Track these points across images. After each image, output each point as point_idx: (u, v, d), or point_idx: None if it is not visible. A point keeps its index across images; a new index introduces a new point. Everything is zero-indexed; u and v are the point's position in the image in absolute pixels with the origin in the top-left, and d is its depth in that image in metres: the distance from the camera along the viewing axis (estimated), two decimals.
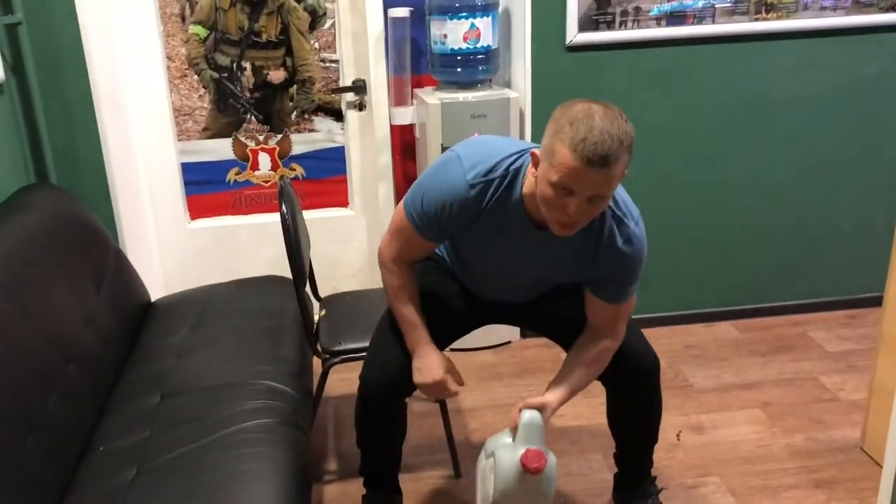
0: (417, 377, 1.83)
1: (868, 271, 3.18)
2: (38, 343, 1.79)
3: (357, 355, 2.14)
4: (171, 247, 3.08)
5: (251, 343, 2.23)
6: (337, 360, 2.15)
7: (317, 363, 2.26)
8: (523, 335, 3.13)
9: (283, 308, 2.39)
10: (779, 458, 2.36)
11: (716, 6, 2.76)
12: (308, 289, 2.35)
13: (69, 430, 1.80)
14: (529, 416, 1.71)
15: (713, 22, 2.78)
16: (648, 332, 2.00)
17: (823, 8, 2.81)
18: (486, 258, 1.84)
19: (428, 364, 1.82)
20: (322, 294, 2.55)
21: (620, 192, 1.70)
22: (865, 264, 3.18)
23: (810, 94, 2.94)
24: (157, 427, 1.87)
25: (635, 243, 1.69)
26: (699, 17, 2.77)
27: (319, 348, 2.20)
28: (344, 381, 2.76)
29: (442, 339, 1.92)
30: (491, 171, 1.66)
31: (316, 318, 2.34)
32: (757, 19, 2.79)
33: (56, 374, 1.82)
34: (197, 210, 3.08)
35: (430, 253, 1.95)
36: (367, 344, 2.13)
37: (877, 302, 3.19)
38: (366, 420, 1.96)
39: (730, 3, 2.75)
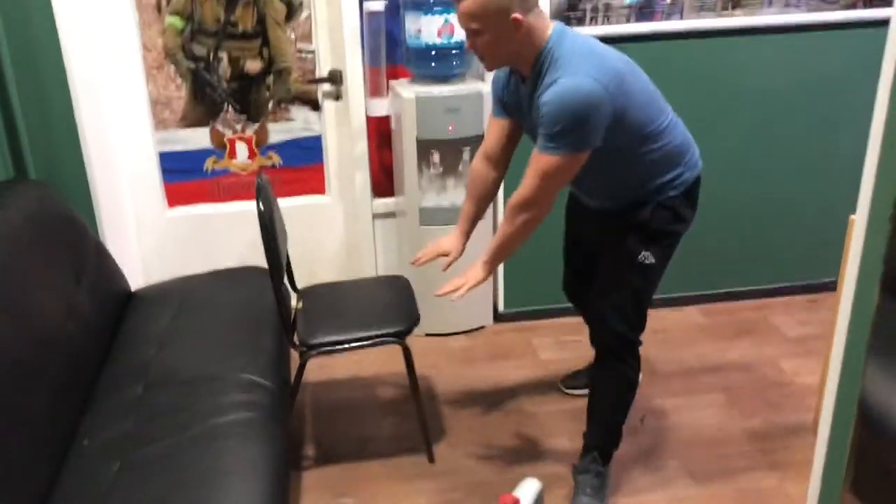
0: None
1: (828, 257, 3.28)
2: (20, 337, 1.83)
3: (334, 348, 2.22)
4: (150, 235, 3.13)
5: (230, 334, 2.30)
6: (314, 352, 2.23)
7: (295, 354, 2.34)
8: (496, 319, 3.22)
9: (261, 299, 2.46)
10: (737, 441, 2.48)
11: (684, 2, 2.82)
12: (286, 280, 2.42)
13: (53, 423, 1.86)
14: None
15: (681, 18, 2.85)
16: None
17: (788, 4, 2.88)
18: (524, 122, 2.08)
19: (444, 238, 2.29)
20: (300, 281, 2.62)
21: (569, 52, 1.85)
22: (826, 249, 3.28)
23: (775, 87, 3.03)
24: (141, 419, 1.94)
25: (557, 92, 1.81)
26: (668, 14, 2.84)
27: (297, 340, 2.27)
28: (321, 368, 2.84)
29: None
30: None
31: (293, 309, 2.42)
32: (723, 15, 2.87)
33: (38, 367, 1.87)
34: (175, 198, 3.12)
35: (505, 140, 2.18)
36: (343, 336, 2.21)
37: (834, 287, 3.32)
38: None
39: None
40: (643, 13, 2.83)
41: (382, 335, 2.24)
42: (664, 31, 2.87)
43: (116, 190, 2.98)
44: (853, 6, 2.91)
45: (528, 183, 1.93)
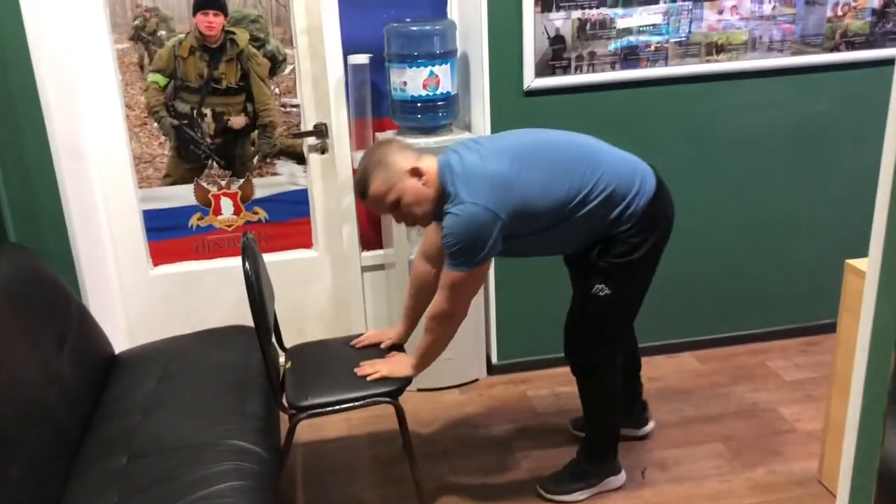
0: None
1: (821, 299, 3.27)
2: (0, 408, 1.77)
3: (324, 410, 2.16)
4: (135, 295, 3.06)
5: (217, 398, 2.23)
6: (304, 415, 2.16)
7: (285, 415, 2.27)
8: (490, 372, 3.16)
9: (248, 360, 2.39)
10: (739, 494, 2.42)
11: (668, 49, 2.83)
12: (273, 339, 2.36)
13: (34, 497, 1.78)
14: None
15: (666, 64, 2.85)
16: None
17: (771, 49, 2.90)
18: None
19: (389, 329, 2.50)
20: (288, 339, 2.56)
21: (460, 179, 2.04)
22: (819, 292, 3.27)
23: (761, 130, 3.03)
24: (125, 492, 1.86)
25: (450, 220, 2.03)
26: (652, 60, 2.84)
27: (286, 403, 2.20)
28: (312, 429, 2.76)
29: None
30: None
31: (282, 369, 2.35)
32: (708, 60, 2.87)
33: (19, 439, 1.80)
34: (160, 256, 3.07)
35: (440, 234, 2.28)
36: (334, 398, 2.15)
37: (830, 329, 3.29)
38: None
39: (682, 44, 2.83)
40: (628, 60, 2.83)
41: (374, 395, 2.17)
42: (650, 78, 2.87)
43: (99, 250, 2.92)
44: (836, 49, 2.93)
45: (441, 296, 2.13)
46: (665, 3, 2.77)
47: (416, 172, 2.06)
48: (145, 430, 2.10)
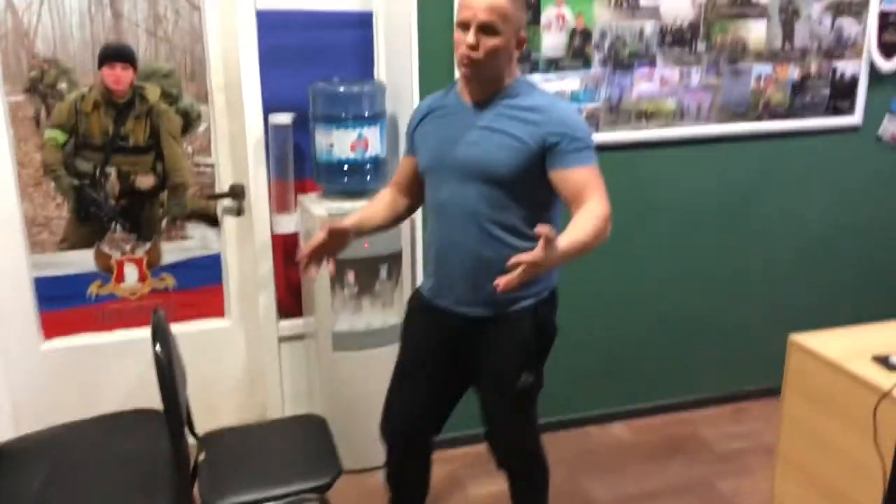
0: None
1: (750, 366, 3.27)
2: None
3: None
4: (22, 372, 2.74)
5: (118, 498, 1.96)
6: None
7: None
8: None
9: (155, 450, 2.13)
10: None
11: (600, 115, 2.79)
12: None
13: None
14: None
15: (597, 130, 2.81)
16: (544, 438, 2.18)
17: (698, 118, 2.90)
18: (430, 150, 2.00)
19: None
20: (198, 419, 2.30)
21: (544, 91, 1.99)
22: (748, 359, 3.26)
23: (687, 198, 3.02)
24: None
25: (567, 109, 1.95)
26: None
27: (199, 501, 1.96)
28: None
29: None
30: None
31: (194, 462, 2.11)
32: (638, 128, 2.85)
33: None
34: (53, 329, 2.77)
35: (414, 179, 2.09)
36: (255, 496, 1.93)
37: (758, 395, 3.28)
38: (389, 472, 2.25)
39: (612, 111, 2.80)
40: None
41: (301, 491, 1.96)
42: None
43: None
44: (759, 119, 2.97)
45: (600, 193, 1.86)
46: (583, 70, 2.74)
47: (522, 41, 1.88)
48: None
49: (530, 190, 1.90)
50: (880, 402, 1.87)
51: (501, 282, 1.65)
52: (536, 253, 1.63)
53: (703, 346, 3.22)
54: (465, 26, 1.81)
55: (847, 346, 2.11)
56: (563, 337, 2.97)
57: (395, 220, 2.16)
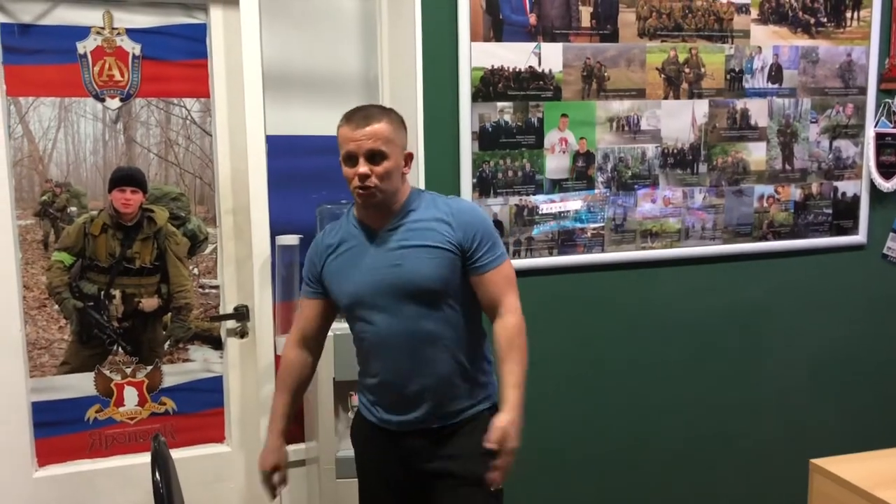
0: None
1: (769, 492, 3.14)
2: None
3: None
4: (12, 503, 2.63)
5: None
6: None
7: None
8: None
9: None
10: None
11: (605, 235, 2.81)
12: None
13: None
14: None
15: (602, 250, 2.82)
16: None
17: (703, 237, 2.92)
18: (351, 284, 1.96)
19: (264, 452, 2.10)
20: None
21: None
22: (767, 485, 3.15)
23: (695, 317, 3.00)
24: None
25: (472, 208, 2.01)
26: (588, 247, 2.81)
27: None
28: None
29: None
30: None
31: None
32: (643, 248, 2.86)
33: None
34: (47, 456, 2.68)
35: (321, 322, 2.11)
36: None
37: None
38: None
39: (617, 230, 2.82)
40: (565, 246, 2.79)
41: None
42: (586, 263, 2.82)
43: None
44: (764, 238, 2.99)
45: (511, 297, 1.94)
46: (586, 191, 2.78)
47: (409, 158, 1.95)
48: None
49: (463, 293, 1.95)
50: None
51: (496, 478, 1.81)
52: (497, 433, 1.79)
53: (717, 470, 3.11)
54: (352, 160, 1.87)
55: (872, 471, 2.03)
56: (580, 472, 2.92)
57: (305, 392, 2.17)
